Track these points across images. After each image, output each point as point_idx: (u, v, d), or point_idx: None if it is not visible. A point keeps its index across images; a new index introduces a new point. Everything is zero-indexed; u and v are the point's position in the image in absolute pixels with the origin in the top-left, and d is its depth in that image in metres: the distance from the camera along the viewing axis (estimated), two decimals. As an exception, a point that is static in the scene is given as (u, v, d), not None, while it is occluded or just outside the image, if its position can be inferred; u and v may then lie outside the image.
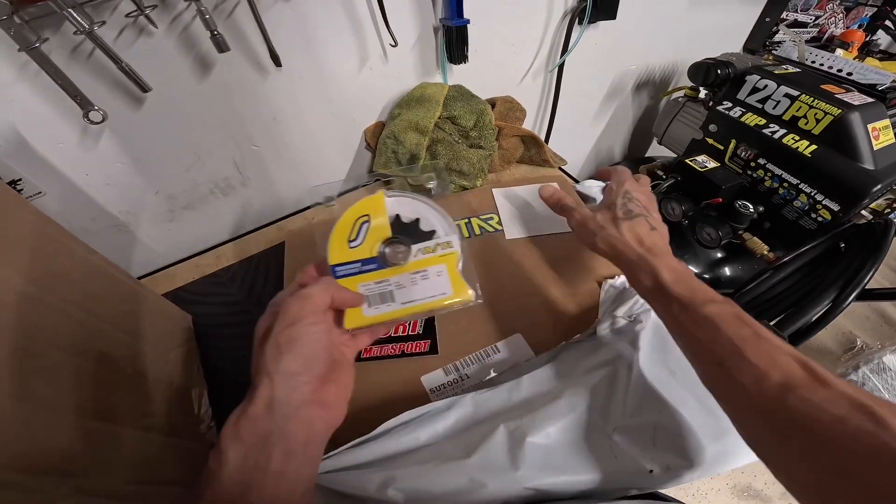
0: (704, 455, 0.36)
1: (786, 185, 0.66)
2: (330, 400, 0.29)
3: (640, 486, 0.37)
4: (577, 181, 0.70)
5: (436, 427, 0.38)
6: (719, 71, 0.76)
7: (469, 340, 0.47)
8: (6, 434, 0.26)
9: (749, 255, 0.68)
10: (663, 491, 0.39)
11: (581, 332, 0.45)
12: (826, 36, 1.09)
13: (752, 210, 0.67)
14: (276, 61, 0.52)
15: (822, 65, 0.83)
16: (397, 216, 0.38)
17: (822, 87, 0.66)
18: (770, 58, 0.88)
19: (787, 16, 1.05)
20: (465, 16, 0.60)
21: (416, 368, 0.45)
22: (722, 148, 0.76)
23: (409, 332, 0.47)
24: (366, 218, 0.37)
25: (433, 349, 0.46)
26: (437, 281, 0.36)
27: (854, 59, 0.87)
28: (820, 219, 0.63)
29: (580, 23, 0.73)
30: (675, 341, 0.34)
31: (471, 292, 0.36)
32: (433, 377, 0.45)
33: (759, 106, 0.71)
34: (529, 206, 0.60)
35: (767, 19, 1.02)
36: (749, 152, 0.71)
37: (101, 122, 0.45)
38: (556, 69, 0.80)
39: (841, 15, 1.09)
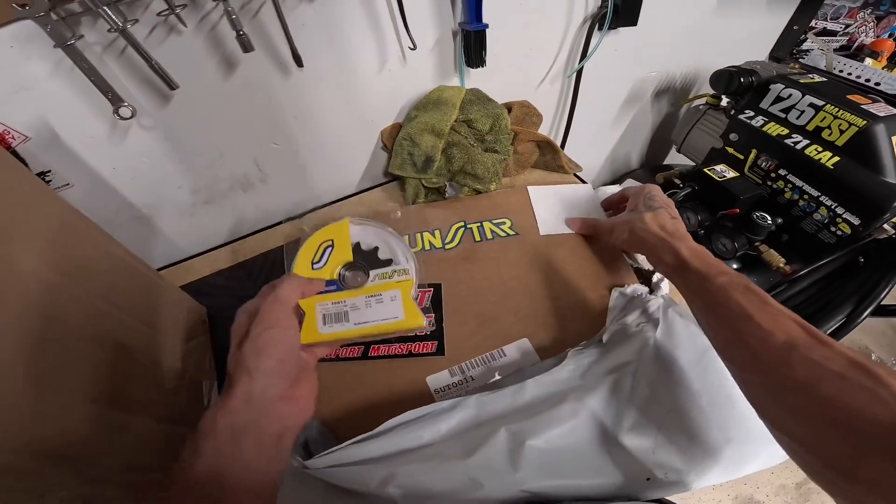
0: (705, 464, 0.36)
1: (806, 197, 0.65)
2: (300, 396, 0.32)
3: (638, 494, 0.37)
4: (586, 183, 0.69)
5: (438, 427, 0.39)
6: (742, 79, 0.74)
7: (476, 343, 0.47)
8: (21, 419, 0.28)
9: (765, 268, 0.66)
10: (668, 498, 0.38)
11: (588, 338, 0.45)
12: (856, 45, 1.07)
13: (769, 221, 0.66)
14: (298, 62, 0.53)
15: (849, 74, 0.81)
16: (358, 244, 0.42)
17: (848, 97, 0.64)
18: (796, 66, 0.86)
19: (815, 24, 1.02)
20: (484, 20, 0.60)
21: (423, 369, 0.46)
22: (742, 158, 0.74)
23: (417, 333, 0.48)
24: (329, 242, 0.41)
25: (440, 350, 0.47)
26: (391, 305, 0.39)
27: (883, 68, 0.85)
28: (839, 232, 0.61)
29: (600, 28, 0.73)
30: (692, 311, 0.39)
31: (423, 320, 0.38)
32: (439, 378, 0.45)
33: (783, 115, 0.70)
34: (562, 205, 0.61)
35: (795, 27, 0.99)
36: (770, 163, 0.69)
37: (130, 117, 0.47)
38: (575, 74, 0.80)
39: (872, 24, 1.06)
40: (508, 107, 0.72)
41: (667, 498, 0.37)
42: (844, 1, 1.00)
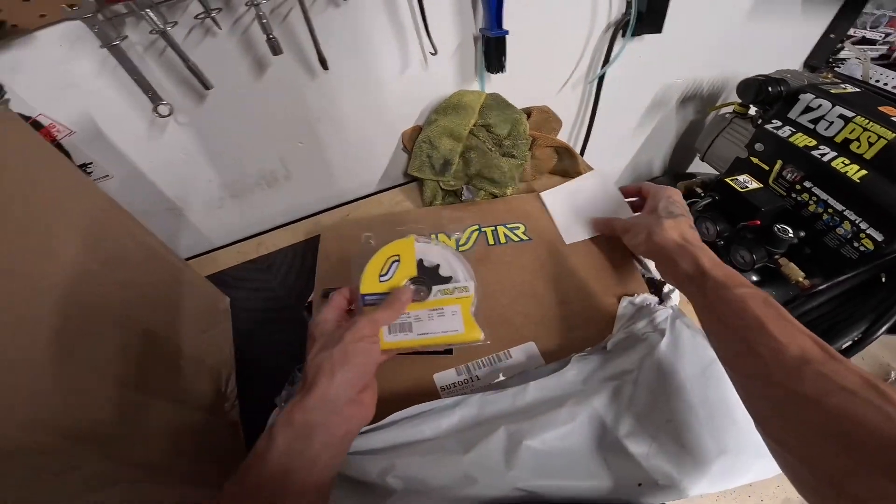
0: (697, 473, 0.36)
1: (830, 210, 0.63)
2: (366, 401, 0.35)
3: (630, 498, 0.37)
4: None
5: (440, 423, 0.40)
6: (771, 88, 0.73)
7: (483, 342, 0.48)
8: (55, 400, 0.30)
9: (783, 281, 0.65)
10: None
11: (593, 345, 0.46)
12: (897, 55, 1.02)
13: (791, 235, 0.64)
14: (324, 64, 0.55)
15: (885, 84, 0.78)
16: (421, 260, 0.44)
17: (880, 108, 0.62)
18: (830, 76, 0.84)
19: (854, 32, 0.99)
20: (505, 27, 0.61)
21: (430, 366, 0.47)
22: (767, 168, 0.73)
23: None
24: (396, 258, 0.44)
25: (448, 349, 0.48)
26: (452, 319, 0.41)
27: (924, 81, 0.81)
28: (862, 248, 0.59)
29: (623, 35, 0.73)
30: (702, 322, 0.38)
31: (481, 335, 0.41)
32: (445, 376, 0.46)
33: (811, 126, 0.68)
34: (579, 204, 0.60)
35: (832, 35, 0.96)
36: (795, 174, 0.68)
37: (168, 115, 0.50)
38: (596, 80, 0.80)
39: (915, 33, 1.02)
40: (528, 112, 0.72)
41: (655, 502, 0.38)
42: (885, 10, 0.96)
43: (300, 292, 0.61)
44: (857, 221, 0.60)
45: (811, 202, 0.66)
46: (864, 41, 0.99)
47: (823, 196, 0.64)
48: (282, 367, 0.48)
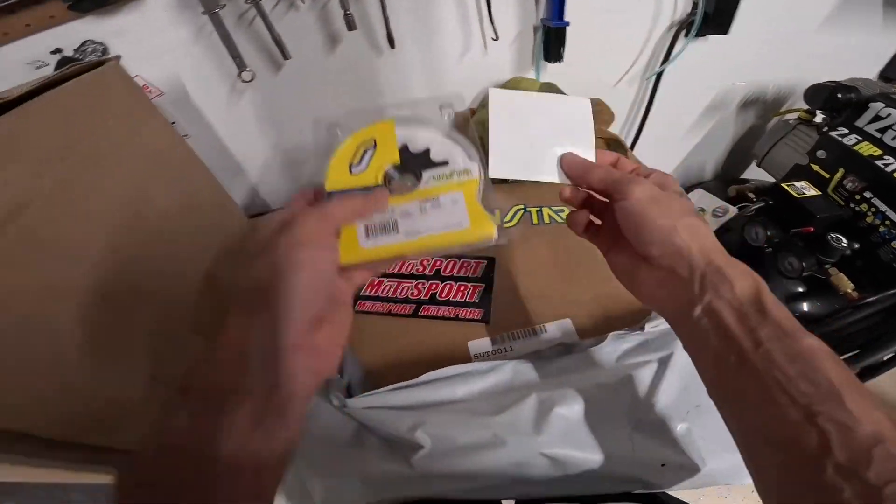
0: (722, 461, 0.37)
1: (888, 223, 0.61)
2: (322, 345, 0.25)
3: (650, 480, 0.38)
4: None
5: (473, 386, 0.42)
6: (840, 95, 0.70)
7: (519, 315, 0.50)
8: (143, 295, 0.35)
9: (829, 292, 0.63)
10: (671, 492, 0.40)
11: (630, 326, 0.47)
12: None
13: (845, 244, 0.62)
14: (392, 43, 0.59)
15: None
16: (405, 145, 0.32)
17: (958, 123, 0.59)
18: (907, 87, 0.79)
19: (940, 44, 0.93)
20: (567, 18, 0.62)
21: (467, 333, 0.49)
22: (827, 176, 0.71)
23: (467, 300, 0.52)
24: (371, 143, 0.32)
25: (485, 318, 0.50)
26: (452, 210, 0.30)
27: None
28: (918, 263, 0.57)
29: (686, 35, 0.72)
30: (725, 381, 0.26)
31: (493, 228, 0.30)
32: (480, 344, 0.49)
33: (878, 136, 0.65)
34: (537, 129, 0.35)
35: (914, 46, 0.91)
36: (856, 184, 0.65)
37: (250, 80, 0.55)
38: (654, 78, 0.79)
39: None
40: (581, 103, 0.73)
41: (674, 489, 0.38)
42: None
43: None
44: (917, 235, 0.58)
45: (869, 213, 0.64)
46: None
47: (883, 207, 0.62)
48: None
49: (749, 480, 0.36)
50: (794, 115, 0.86)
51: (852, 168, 0.66)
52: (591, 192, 0.34)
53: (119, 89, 0.41)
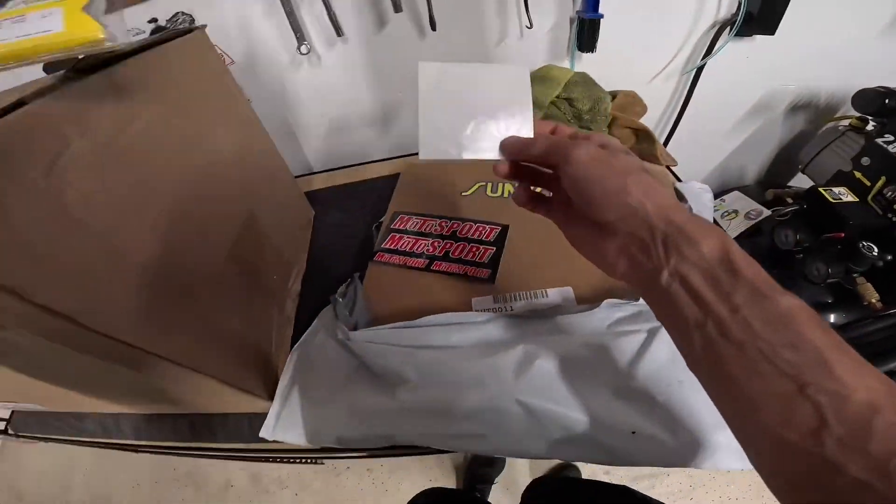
0: (694, 441, 0.37)
1: (924, 232, 0.58)
2: None
3: (618, 448, 0.39)
4: (679, 180, 0.70)
5: (468, 335, 0.46)
6: (888, 101, 0.68)
7: (524, 279, 0.53)
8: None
9: (852, 300, 0.61)
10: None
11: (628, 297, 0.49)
12: None
13: (876, 253, 0.60)
14: (433, 25, 0.64)
15: None
16: None
17: None
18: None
19: None
20: (603, 10, 0.65)
21: (472, 290, 0.53)
22: (868, 184, 0.68)
23: (477, 260, 0.56)
24: None
25: (492, 278, 0.54)
26: (41, 22, 0.26)
27: None
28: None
29: (729, 33, 0.72)
30: (706, 357, 0.23)
31: (99, 30, 0.25)
32: (483, 301, 0.52)
33: (927, 144, 0.63)
34: (470, 103, 0.32)
35: None
36: (897, 192, 0.63)
37: (307, 53, 0.62)
38: (692, 74, 0.79)
39: None
40: (613, 94, 0.75)
41: (642, 464, 0.39)
42: None
43: (375, 216, 0.71)
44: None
45: (909, 223, 0.61)
46: None
47: (923, 217, 0.59)
48: (344, 279, 0.55)
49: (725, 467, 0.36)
50: (846, 122, 0.83)
51: (894, 177, 0.64)
52: (534, 166, 0.32)
53: (203, 54, 0.49)
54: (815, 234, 0.68)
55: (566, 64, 0.75)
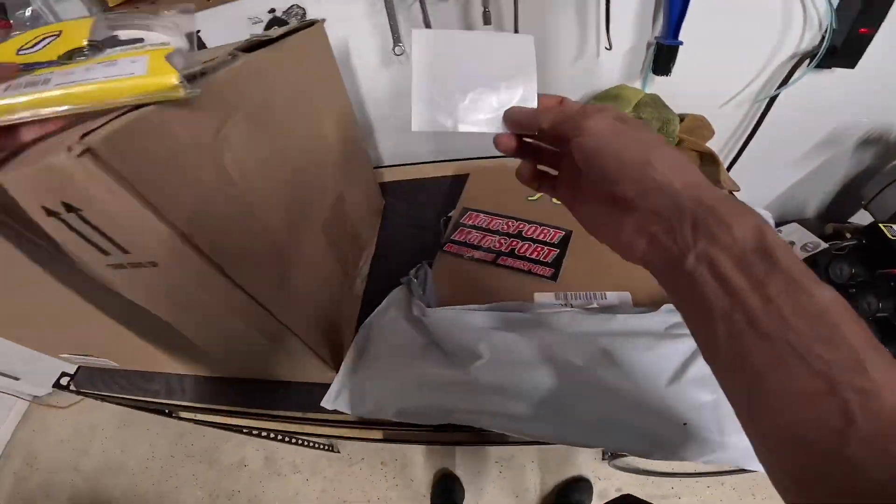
0: (741, 442, 0.39)
1: None
2: None
3: (670, 440, 0.42)
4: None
5: (535, 322, 0.50)
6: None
7: (584, 281, 0.57)
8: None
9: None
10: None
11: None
12: None
13: (935, 293, 0.61)
14: (518, 38, 0.69)
15: None
16: (114, 37, 0.30)
17: None
18: None
19: None
20: (682, 36, 0.67)
21: (535, 286, 0.58)
22: (934, 226, 0.68)
23: (541, 259, 0.60)
24: (56, 32, 0.29)
25: (554, 277, 0.58)
26: (128, 66, 0.26)
27: None
28: None
29: (809, 65, 0.73)
30: (731, 346, 0.21)
31: (174, 77, 0.26)
32: (545, 296, 0.57)
33: None
34: (468, 71, 0.31)
35: None
36: (966, 238, 0.63)
37: (400, 55, 0.68)
38: (765, 103, 0.80)
39: None
40: (682, 117, 0.78)
41: (688, 458, 0.41)
42: None
43: (440, 210, 0.76)
44: None
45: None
46: None
47: None
48: (408, 265, 0.60)
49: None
50: (921, 162, 0.82)
51: (964, 220, 0.64)
52: (538, 143, 0.31)
53: (321, 46, 0.55)
54: (871, 269, 0.69)
55: (638, 85, 0.78)
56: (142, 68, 0.26)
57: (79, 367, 0.68)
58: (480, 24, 0.66)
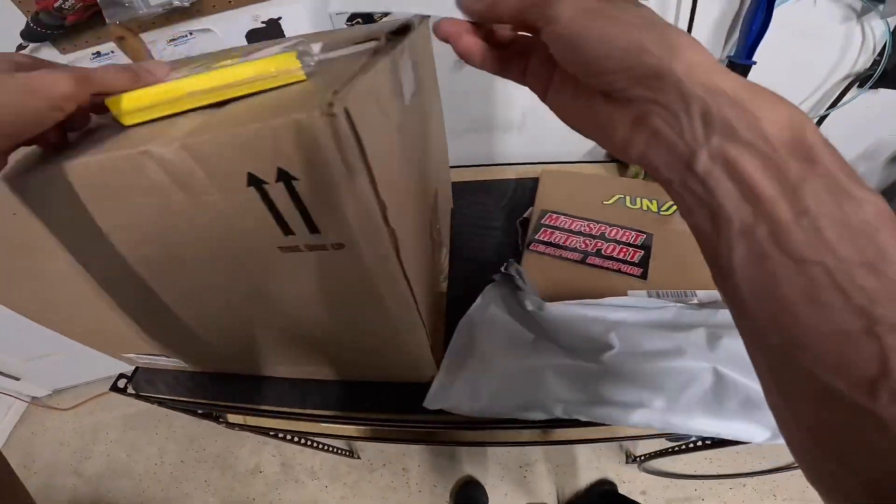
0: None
1: None
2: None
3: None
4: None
5: (644, 315, 0.52)
6: None
7: (673, 281, 0.59)
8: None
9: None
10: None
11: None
12: None
13: None
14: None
15: None
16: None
17: None
18: None
19: None
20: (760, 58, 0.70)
21: (626, 284, 0.60)
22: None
23: (628, 259, 0.62)
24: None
25: (643, 276, 0.60)
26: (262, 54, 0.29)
27: None
28: None
29: (860, 86, 0.78)
30: (746, 263, 0.17)
31: (295, 57, 0.26)
32: (638, 294, 0.58)
33: None
34: None
35: None
36: None
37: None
38: (816, 121, 0.85)
39: None
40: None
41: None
42: None
43: (509, 212, 0.78)
44: None
45: None
46: None
47: None
48: (482, 264, 0.62)
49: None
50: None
51: None
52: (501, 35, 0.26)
53: (427, 42, 0.56)
54: None
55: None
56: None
57: (136, 369, 0.65)
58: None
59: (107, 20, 0.67)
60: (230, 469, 1.36)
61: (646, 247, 0.63)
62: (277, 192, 0.26)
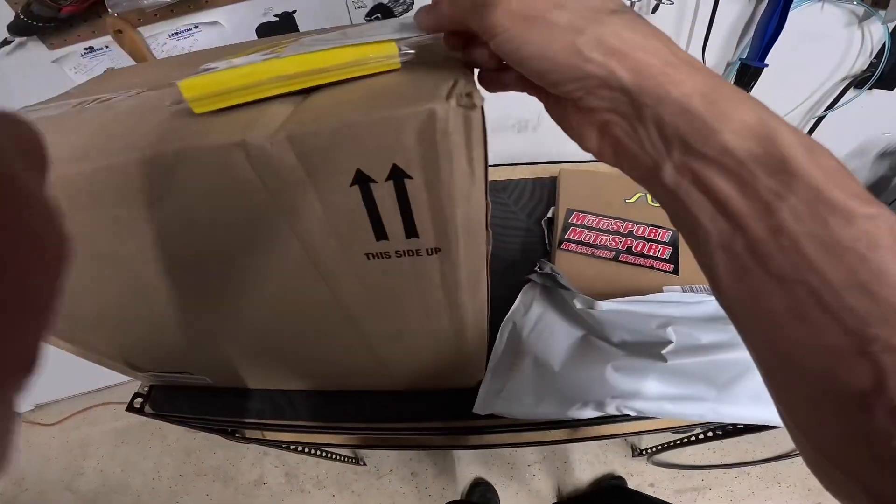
0: None
1: None
2: None
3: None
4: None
5: (688, 310, 0.52)
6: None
7: (702, 277, 0.60)
8: None
9: None
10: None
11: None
12: None
13: None
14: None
15: None
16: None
17: None
18: None
19: None
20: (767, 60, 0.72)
21: (660, 280, 0.60)
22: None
23: (659, 256, 0.63)
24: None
25: (675, 271, 0.61)
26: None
27: None
28: None
29: (857, 87, 0.81)
30: (733, 276, 0.17)
31: (394, 45, 0.24)
32: (673, 289, 0.59)
33: None
34: None
35: None
36: None
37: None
38: (813, 122, 0.88)
39: None
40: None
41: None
42: None
43: (530, 211, 0.78)
44: None
45: None
46: None
47: None
48: (510, 259, 0.62)
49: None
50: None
51: None
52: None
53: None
54: None
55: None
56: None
57: (151, 387, 0.61)
58: None
59: (108, 10, 0.62)
60: (232, 481, 1.30)
61: (673, 243, 0.64)
62: (383, 191, 0.24)
